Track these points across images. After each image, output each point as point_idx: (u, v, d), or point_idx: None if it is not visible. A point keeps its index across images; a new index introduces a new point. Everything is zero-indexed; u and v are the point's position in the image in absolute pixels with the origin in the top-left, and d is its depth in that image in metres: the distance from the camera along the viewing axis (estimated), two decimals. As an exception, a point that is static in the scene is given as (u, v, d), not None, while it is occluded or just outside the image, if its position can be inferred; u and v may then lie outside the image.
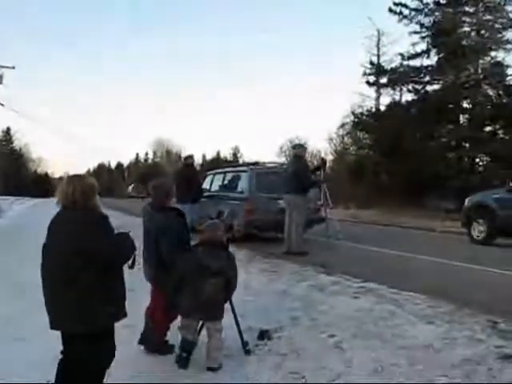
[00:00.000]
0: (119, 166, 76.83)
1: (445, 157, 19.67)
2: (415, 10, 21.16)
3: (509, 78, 19.61)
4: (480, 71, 19.82)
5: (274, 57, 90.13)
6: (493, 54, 19.96)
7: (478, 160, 20.38)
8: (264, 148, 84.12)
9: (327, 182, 9.46)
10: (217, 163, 44.60)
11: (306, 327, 4.11)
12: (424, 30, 21.20)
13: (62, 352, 2.59)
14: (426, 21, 21.15)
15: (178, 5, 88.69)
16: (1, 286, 5.48)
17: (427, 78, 21.31)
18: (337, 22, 77.78)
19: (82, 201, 2.50)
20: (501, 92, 19.49)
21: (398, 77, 21.82)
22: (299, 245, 8.08)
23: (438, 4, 20.84)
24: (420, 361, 3.31)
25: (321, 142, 56.98)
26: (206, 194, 10.58)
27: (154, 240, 3.54)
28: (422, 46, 21.20)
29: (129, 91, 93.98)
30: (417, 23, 21.23)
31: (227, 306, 3.50)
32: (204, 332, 3.45)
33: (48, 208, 6.18)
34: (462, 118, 20.73)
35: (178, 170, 11.91)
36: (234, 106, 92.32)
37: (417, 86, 21.52)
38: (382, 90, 23.65)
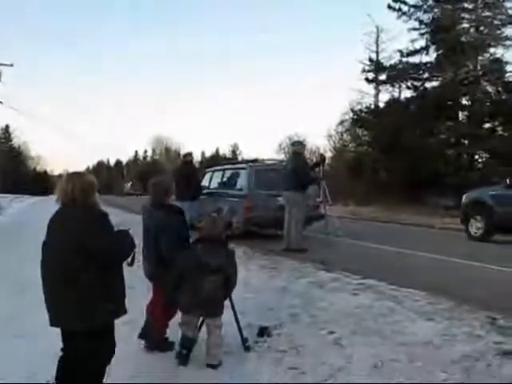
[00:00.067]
0: (118, 163, 76.84)
1: (444, 153, 19.64)
2: (414, 6, 21.15)
3: (508, 74, 19.60)
4: (479, 68, 19.78)
5: (274, 56, 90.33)
6: (492, 50, 19.97)
7: (477, 157, 20.37)
8: (263, 145, 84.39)
9: (326, 178, 9.46)
10: (216, 160, 44.63)
11: (305, 324, 4.12)
12: (423, 26, 21.17)
13: (62, 349, 2.59)
14: (425, 17, 21.15)
15: (178, 5, 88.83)
16: (1, 283, 5.48)
17: (426, 75, 21.29)
18: (336, 21, 78.10)
19: (82, 198, 2.50)
20: (500, 89, 19.47)
21: (396, 73, 21.79)
22: (298, 242, 8.08)
23: (436, 0, 20.80)
24: (420, 357, 3.32)
25: (320, 139, 56.74)
26: (205, 191, 10.59)
27: (154, 237, 3.55)
28: (421, 43, 21.23)
29: (129, 91, 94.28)
30: (416, 20, 21.22)
31: (227, 302, 3.50)
32: (204, 329, 3.45)
33: (47, 206, 6.17)
34: (461, 115, 20.72)
35: (177, 168, 11.88)
36: (234, 104, 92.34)
37: (416, 83, 21.48)
38: (380, 87, 23.68)
